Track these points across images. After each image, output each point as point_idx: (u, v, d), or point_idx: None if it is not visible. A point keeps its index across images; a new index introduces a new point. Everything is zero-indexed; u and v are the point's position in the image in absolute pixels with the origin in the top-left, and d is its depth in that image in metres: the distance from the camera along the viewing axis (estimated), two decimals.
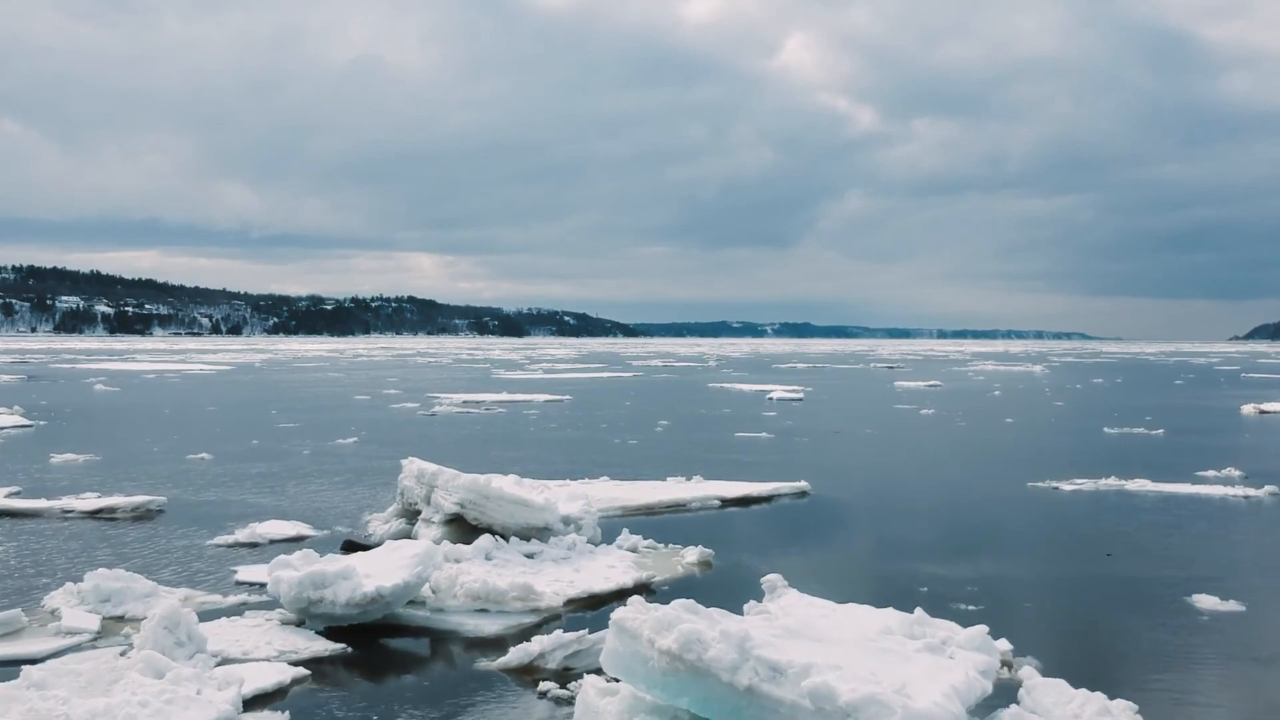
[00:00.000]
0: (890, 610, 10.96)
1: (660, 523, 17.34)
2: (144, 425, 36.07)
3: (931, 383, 69.66)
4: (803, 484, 20.46)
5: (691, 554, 14.11)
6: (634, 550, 14.47)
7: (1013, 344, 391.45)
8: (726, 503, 19.00)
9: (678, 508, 18.45)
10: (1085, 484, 21.63)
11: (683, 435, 32.78)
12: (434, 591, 11.31)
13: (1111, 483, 21.67)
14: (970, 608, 12.04)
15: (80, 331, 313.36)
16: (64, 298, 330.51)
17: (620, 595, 12.34)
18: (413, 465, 15.02)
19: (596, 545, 14.37)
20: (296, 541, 15.50)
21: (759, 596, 11.40)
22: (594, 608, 11.92)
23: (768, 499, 19.65)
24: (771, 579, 11.32)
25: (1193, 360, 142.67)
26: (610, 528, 15.73)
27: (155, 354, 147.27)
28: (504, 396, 50.98)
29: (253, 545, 15.28)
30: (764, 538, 16.32)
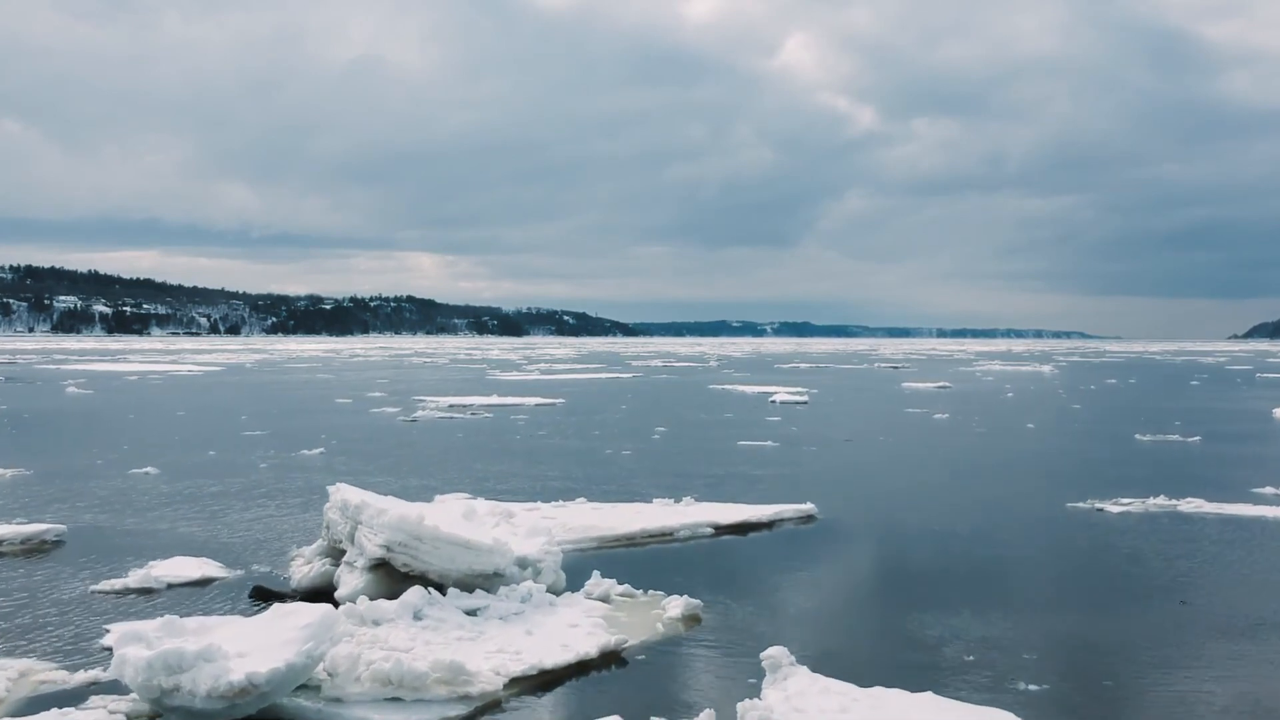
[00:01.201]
0: (930, 696, 8.37)
1: (642, 558, 14.70)
2: (97, 433, 33.45)
3: (940, 384, 66.99)
4: (809, 507, 17.80)
5: (675, 605, 11.47)
6: (605, 600, 11.82)
7: (1014, 343, 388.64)
8: (721, 530, 16.33)
9: (664, 537, 15.78)
10: (1132, 505, 18.92)
11: (680, 444, 30.12)
12: (330, 675, 8.62)
13: (1161, 503, 18.98)
14: (1033, 687, 9.38)
15: (78, 331, 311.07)
16: (61, 297, 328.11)
17: (580, 670, 9.69)
18: (339, 494, 12.36)
19: (559, 594, 11.72)
20: (199, 586, 12.87)
21: (757, 672, 8.81)
22: (545, 688, 9.28)
23: (769, 525, 16.98)
24: (774, 654, 8.69)
25: (1200, 360, 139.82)
26: (581, 566, 13.11)
27: (148, 354, 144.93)
28: (494, 400, 48.33)
29: (146, 591, 12.62)
30: (764, 580, 13.67)
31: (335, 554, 12.42)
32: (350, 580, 11.33)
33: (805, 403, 48.64)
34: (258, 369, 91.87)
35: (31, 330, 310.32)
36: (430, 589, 10.70)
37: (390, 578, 11.22)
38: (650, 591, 12.28)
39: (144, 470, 23.45)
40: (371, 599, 10.67)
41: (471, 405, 45.35)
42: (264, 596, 12.10)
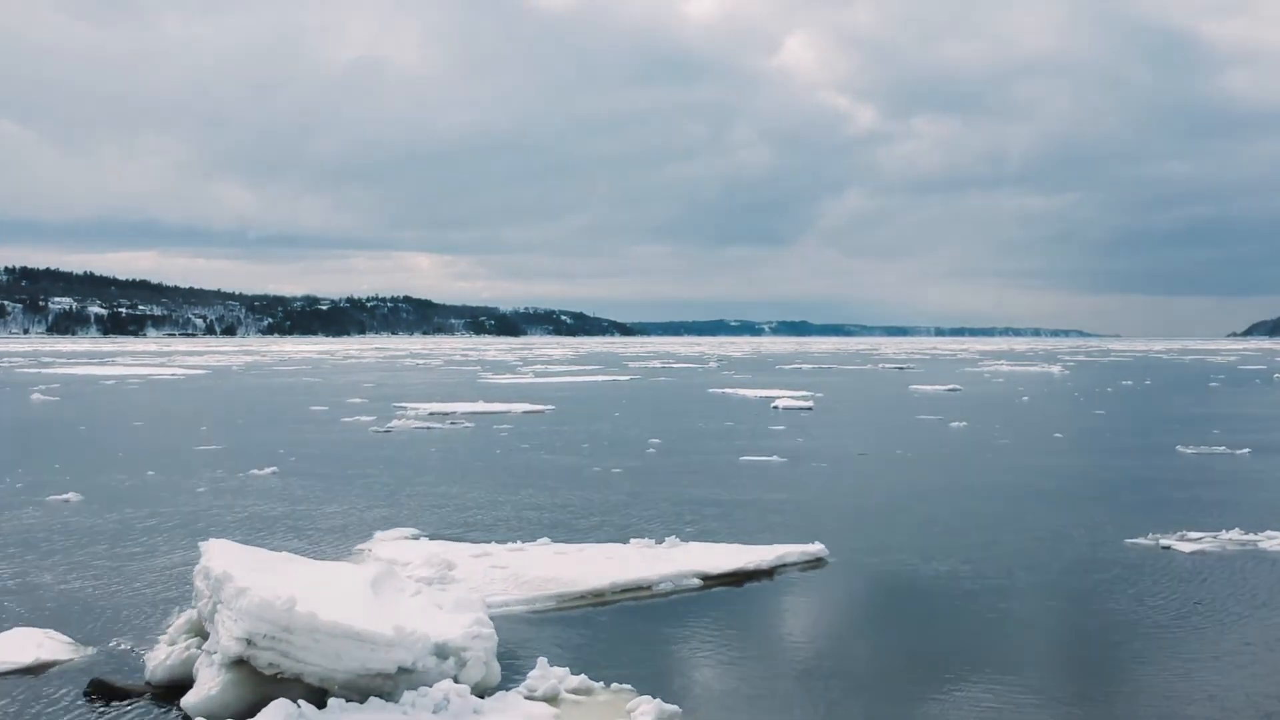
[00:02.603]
0: None
1: (610, 624, 11.74)
2: (35, 448, 30.48)
3: (950, 386, 63.97)
4: (817, 548, 14.81)
5: (645, 711, 8.52)
6: (552, 700, 8.87)
7: (1015, 342, 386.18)
8: (710, 581, 13.36)
9: (640, 593, 12.80)
10: (1204, 541, 15.89)
11: (674, 460, 27.12)
12: None
13: (1237, 538, 15.97)
14: None
15: (73, 333, 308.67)
16: (57, 299, 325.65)
17: None
18: (208, 554, 9.41)
19: (489, 693, 8.77)
20: (30, 674, 9.92)
21: None
22: None
23: (769, 573, 13.99)
24: None
25: (1208, 359, 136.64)
26: (527, 642, 10.16)
27: (138, 356, 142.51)
28: (478, 407, 45.36)
29: None
30: (761, 660, 10.71)
31: (205, 634, 9.47)
32: (206, 680, 8.38)
33: (809, 408, 45.69)
34: (244, 372, 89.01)
35: (27, 332, 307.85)
36: (301, 702, 7.75)
37: (257, 677, 8.26)
38: (614, 685, 9.31)
39: (63, 497, 20.46)
40: (230, 707, 7.75)
41: (453, 413, 42.41)
42: (104, 693, 9.16)
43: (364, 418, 39.90)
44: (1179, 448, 29.24)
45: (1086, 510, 19.25)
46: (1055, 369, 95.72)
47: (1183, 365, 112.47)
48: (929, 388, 63.41)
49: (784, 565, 14.23)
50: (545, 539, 15.13)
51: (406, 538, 15.87)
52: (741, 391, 58.20)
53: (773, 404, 47.13)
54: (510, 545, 14.50)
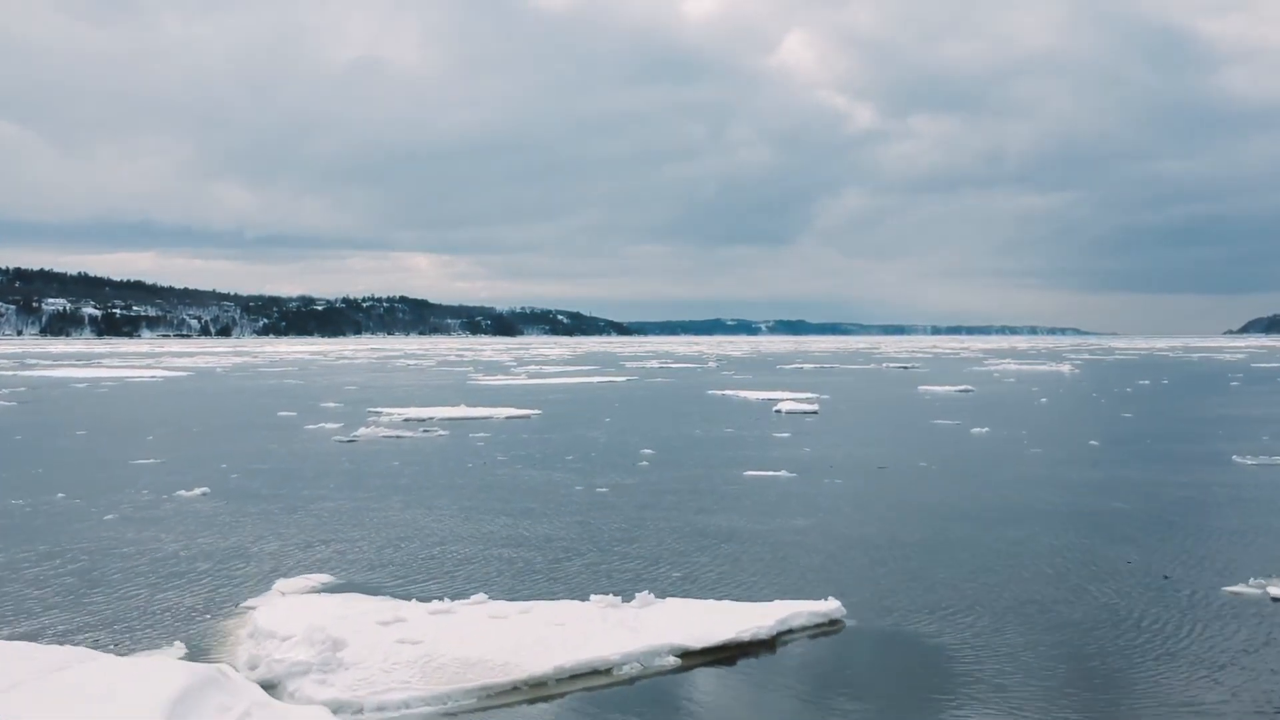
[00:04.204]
0: None
1: None
2: None
3: (961, 387, 60.67)
4: (833, 606, 11.49)
5: None
6: None
7: (1014, 340, 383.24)
8: (691, 660, 10.08)
9: (595, 678, 9.53)
10: None
11: (668, 475, 23.80)
12: None
13: None
14: None
15: (67, 334, 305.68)
16: (50, 300, 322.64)
17: None
18: None
19: None
20: None
21: None
22: None
23: (768, 644, 10.69)
24: None
25: (1216, 357, 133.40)
26: None
27: (126, 358, 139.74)
28: (459, 412, 42.04)
29: None
30: None
31: None
32: None
33: (815, 412, 42.42)
34: (228, 374, 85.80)
35: (20, 333, 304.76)
36: None
37: None
38: None
39: None
40: None
41: (430, 420, 39.19)
42: None
43: (331, 425, 36.67)
44: (1235, 458, 25.88)
45: (1160, 543, 15.88)
46: (1065, 368, 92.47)
47: (1192, 364, 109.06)
48: (939, 389, 60.17)
49: (789, 633, 10.92)
50: (482, 594, 11.79)
51: (312, 589, 12.62)
52: (742, 393, 54.92)
53: (775, 407, 43.86)
54: (435, 605, 11.17)
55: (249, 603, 12.23)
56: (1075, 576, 13.66)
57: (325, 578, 13.34)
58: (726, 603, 11.64)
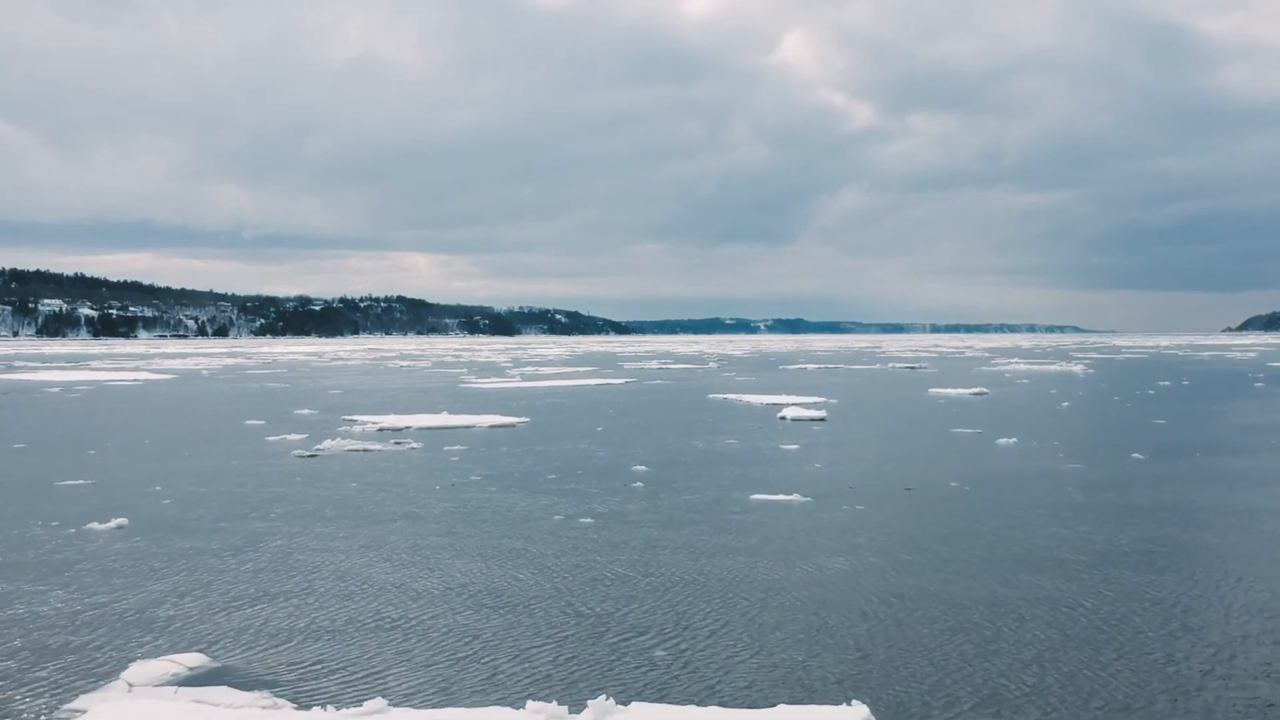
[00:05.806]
0: None
1: None
2: None
3: (974, 390, 57.53)
4: (858, 713, 8.31)
5: None
6: None
7: (1015, 338, 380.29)
8: None
9: None
10: None
11: (662, 502, 20.58)
12: None
13: None
14: None
15: (63, 335, 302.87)
16: (47, 301, 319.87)
17: None
18: None
19: None
20: None
21: None
22: None
23: None
24: None
25: (1225, 355, 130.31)
26: None
27: (117, 359, 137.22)
28: (440, 420, 38.95)
29: None
30: None
31: None
32: None
33: (823, 419, 39.34)
34: (213, 377, 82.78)
35: (16, 334, 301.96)
36: None
37: None
38: None
39: None
40: None
41: (407, 429, 36.14)
42: None
43: (296, 436, 33.56)
44: None
45: (1263, 591, 12.70)
46: (1077, 368, 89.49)
47: (1204, 363, 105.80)
48: (951, 391, 57.08)
49: None
50: (380, 699, 8.53)
51: (170, 679, 9.48)
52: (745, 398, 51.78)
53: (781, 414, 40.72)
54: (314, 716, 7.98)
55: (78, 703, 9.07)
56: (1183, 643, 10.46)
57: (196, 660, 10.17)
58: (710, 709, 8.44)
